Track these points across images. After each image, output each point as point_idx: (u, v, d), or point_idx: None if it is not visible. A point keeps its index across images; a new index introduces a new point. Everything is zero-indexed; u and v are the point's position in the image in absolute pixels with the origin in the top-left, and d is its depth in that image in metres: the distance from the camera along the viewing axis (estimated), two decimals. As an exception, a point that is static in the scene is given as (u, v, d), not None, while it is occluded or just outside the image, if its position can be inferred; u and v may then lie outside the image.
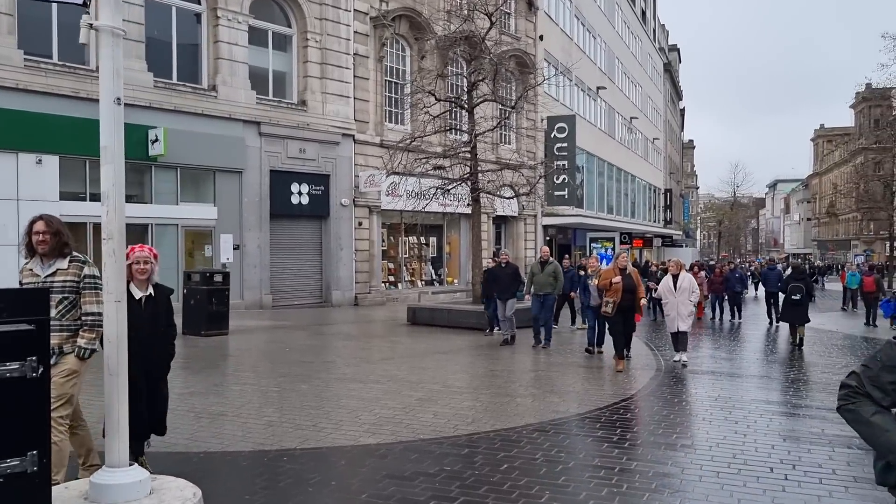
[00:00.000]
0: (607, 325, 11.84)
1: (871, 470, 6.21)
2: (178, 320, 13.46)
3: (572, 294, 16.19)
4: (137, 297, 5.28)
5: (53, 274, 4.80)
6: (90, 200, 16.56)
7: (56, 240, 4.81)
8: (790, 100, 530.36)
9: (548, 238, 33.37)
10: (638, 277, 11.57)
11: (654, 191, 59.54)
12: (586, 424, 7.56)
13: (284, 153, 21.26)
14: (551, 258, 14.50)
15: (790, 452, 6.53)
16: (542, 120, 30.68)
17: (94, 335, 4.77)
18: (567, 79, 34.29)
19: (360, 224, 23.48)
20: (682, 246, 61.63)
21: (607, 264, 27.22)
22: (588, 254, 31.62)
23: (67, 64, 16.65)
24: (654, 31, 64.34)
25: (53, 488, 3.82)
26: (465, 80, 19.39)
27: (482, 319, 15.81)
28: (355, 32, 23.17)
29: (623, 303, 11.01)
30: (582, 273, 15.01)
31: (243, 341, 13.79)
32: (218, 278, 14.82)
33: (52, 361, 4.26)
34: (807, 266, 25.24)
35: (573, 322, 17.34)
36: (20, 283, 4.85)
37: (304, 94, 21.97)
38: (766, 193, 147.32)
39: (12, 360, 3.30)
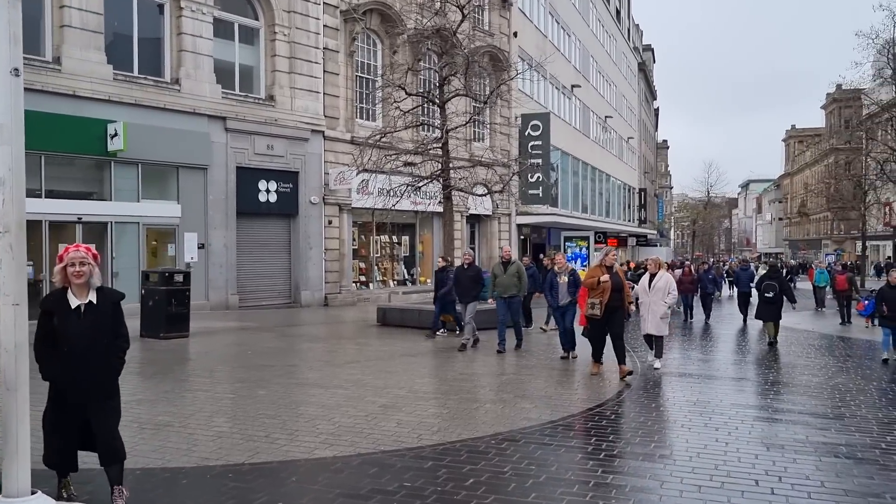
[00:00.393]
0: (588, 327, 10.75)
1: (861, 482, 5.88)
2: (136, 323, 13.00)
3: (537, 294, 15.31)
4: (74, 306, 4.58)
5: None
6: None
7: None
8: (763, 101, 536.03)
9: (522, 237, 33.02)
10: (623, 276, 10.95)
11: (629, 190, 59.49)
12: (559, 433, 7.11)
13: (251, 149, 20.64)
14: (514, 258, 13.76)
15: (775, 463, 6.13)
16: (517, 118, 30.29)
17: None
18: (542, 76, 33.96)
19: (329, 222, 22.92)
20: (656, 245, 61.72)
21: (582, 263, 26.80)
22: (556, 253, 31.23)
23: None
24: (629, 30, 64.33)
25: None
26: (436, 74, 18.90)
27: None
28: (325, 26, 22.61)
29: (611, 303, 10.24)
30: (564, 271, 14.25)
31: (204, 344, 13.20)
32: (178, 278, 14.20)
33: None
34: (780, 264, 25.11)
35: (530, 323, 16.49)
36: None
37: (272, 89, 21.37)
38: (738, 193, 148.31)
39: None
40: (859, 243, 49.21)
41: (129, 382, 8.79)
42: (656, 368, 11.13)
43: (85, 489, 5.02)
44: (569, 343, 11.95)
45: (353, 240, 24.45)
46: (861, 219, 38.88)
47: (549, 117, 30.99)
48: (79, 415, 4.63)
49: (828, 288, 25.65)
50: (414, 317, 16.61)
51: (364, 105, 24.53)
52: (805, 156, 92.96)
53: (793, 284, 25.82)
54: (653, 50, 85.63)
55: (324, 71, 22.64)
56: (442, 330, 15.19)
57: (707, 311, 20.75)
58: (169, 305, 13.70)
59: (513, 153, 28.79)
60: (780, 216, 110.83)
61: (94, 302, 4.68)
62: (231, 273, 20.19)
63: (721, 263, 42.79)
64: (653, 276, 11.44)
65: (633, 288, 12.04)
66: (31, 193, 16.03)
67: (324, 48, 22.60)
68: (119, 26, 18.19)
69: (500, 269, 13.26)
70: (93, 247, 4.93)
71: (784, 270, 27.92)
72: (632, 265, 27.56)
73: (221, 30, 20.37)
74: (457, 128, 18.15)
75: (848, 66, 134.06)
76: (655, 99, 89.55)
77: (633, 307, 10.97)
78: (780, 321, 15.25)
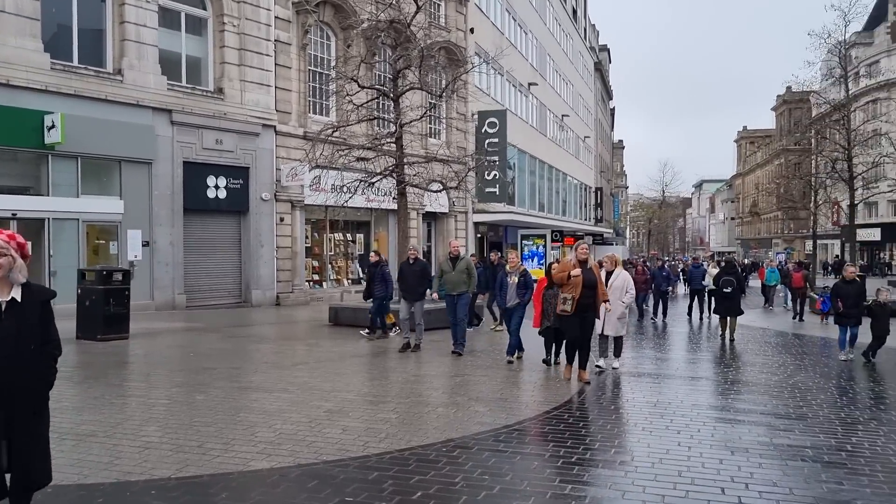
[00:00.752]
0: (562, 327, 9.92)
1: (831, 487, 5.60)
2: (71, 324, 12.29)
3: (482, 295, 14.59)
4: None
5: None
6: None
7: None
8: (718, 102, 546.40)
9: (479, 235, 32.71)
10: (598, 273, 9.97)
11: (585, 189, 59.65)
12: (514, 438, 6.72)
13: (199, 144, 19.91)
14: (463, 253, 13.07)
15: (740, 468, 5.81)
16: (473, 115, 29.95)
17: None
18: (498, 73, 33.69)
19: (281, 220, 22.28)
20: (612, 244, 62.05)
21: (539, 262, 26.53)
22: (510, 251, 31.00)
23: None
24: (585, 29, 64.52)
25: None
26: (390, 67, 18.41)
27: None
28: (276, 18, 21.95)
29: (583, 300, 9.38)
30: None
31: (144, 346, 12.54)
32: (117, 277, 13.48)
33: None
34: (735, 262, 25.33)
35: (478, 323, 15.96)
36: None
37: (221, 82, 20.65)
38: (692, 193, 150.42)
39: None
40: (809, 242, 50.01)
41: (56, 388, 8.00)
42: (615, 368, 10.82)
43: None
44: (513, 346, 11.25)
45: (306, 237, 23.84)
46: (813, 217, 39.40)
47: (505, 115, 30.72)
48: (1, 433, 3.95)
49: (778, 286, 25.86)
50: (367, 316, 16.06)
51: (317, 100, 23.92)
52: (756, 156, 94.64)
53: (746, 282, 26.04)
54: (609, 50, 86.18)
55: (275, 64, 21.99)
56: (394, 329, 14.63)
57: (664, 308, 20.58)
58: (107, 305, 12.99)
59: (469, 150, 28.43)
60: (732, 216, 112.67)
61: (19, 300, 3.99)
62: (178, 272, 19.45)
63: (677, 262, 43.14)
64: (609, 273, 10.94)
65: None
66: None
67: (275, 40, 21.95)
68: (58, 14, 17.32)
69: (448, 266, 12.42)
70: (19, 235, 4.19)
71: (741, 268, 28.14)
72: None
73: (167, 19, 19.61)
74: (411, 122, 17.70)
75: (801, 65, 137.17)
76: (612, 99, 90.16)
77: (605, 303, 9.77)
78: (737, 318, 15.46)
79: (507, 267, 11.71)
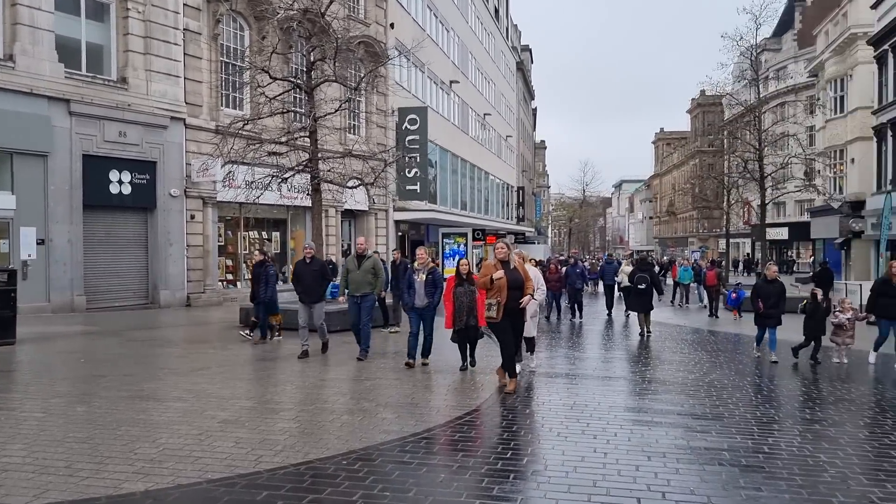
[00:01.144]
0: (495, 335, 9.07)
1: (749, 494, 5.35)
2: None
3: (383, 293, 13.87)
4: None
5: None
6: None
7: None
8: (637, 105, 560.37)
9: (400, 233, 32.22)
10: (525, 271, 9.18)
11: (508, 188, 59.86)
12: (421, 448, 6.27)
13: (101, 136, 18.75)
14: (370, 251, 12.17)
15: (657, 475, 5.52)
16: (394, 111, 29.44)
17: None
18: (419, 69, 33.27)
19: (192, 217, 21.25)
20: (534, 243, 62.52)
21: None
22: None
23: None
24: (507, 29, 64.75)
25: None
26: (304, 59, 17.74)
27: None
28: (185, 5, 20.91)
29: (509, 303, 8.60)
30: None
31: (31, 352, 11.58)
32: (2, 278, 12.45)
33: None
34: (651, 259, 25.72)
35: (386, 325, 15.24)
36: None
37: (125, 71, 19.52)
38: (612, 193, 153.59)
39: None
40: (723, 241, 51.50)
41: (-85, 402, 7.31)
42: (532, 370, 10.50)
43: None
44: (415, 350, 10.57)
45: (219, 235, 22.85)
46: (727, 217, 40.55)
47: (426, 112, 30.32)
48: None
49: (692, 284, 26.27)
50: (251, 319, 15.24)
51: (230, 92, 22.97)
52: (672, 157, 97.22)
53: (663, 280, 26.39)
54: (531, 50, 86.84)
55: (185, 54, 20.95)
56: (277, 335, 13.83)
57: (579, 307, 20.21)
58: (-11, 308, 11.97)
59: (389, 147, 27.92)
60: (650, 215, 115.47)
61: None
62: (77, 271, 18.27)
63: (596, 260, 43.76)
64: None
65: None
66: None
67: (184, 29, 20.91)
68: (-61, -7, 16.03)
69: (354, 264, 11.56)
70: None
71: (657, 267, 28.54)
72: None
73: (65, 3, 18.35)
74: (326, 115, 17.08)
75: (715, 68, 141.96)
76: (533, 99, 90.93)
77: (528, 300, 8.93)
78: (651, 313, 15.98)
79: (416, 264, 10.93)
